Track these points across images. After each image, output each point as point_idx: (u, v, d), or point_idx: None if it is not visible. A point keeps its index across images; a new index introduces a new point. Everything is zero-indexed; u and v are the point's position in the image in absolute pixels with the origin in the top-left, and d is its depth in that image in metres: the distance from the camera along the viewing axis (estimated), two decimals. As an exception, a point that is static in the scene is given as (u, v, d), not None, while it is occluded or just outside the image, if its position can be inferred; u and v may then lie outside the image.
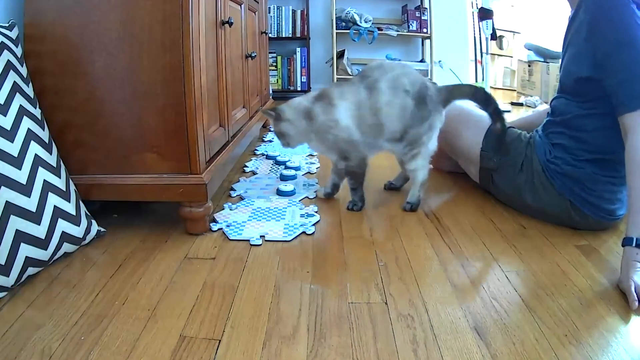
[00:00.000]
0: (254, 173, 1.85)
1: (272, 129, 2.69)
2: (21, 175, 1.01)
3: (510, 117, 1.77)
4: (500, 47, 4.79)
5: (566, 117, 1.32)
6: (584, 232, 1.31)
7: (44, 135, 1.11)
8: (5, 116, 1.01)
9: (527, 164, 1.38)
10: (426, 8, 3.91)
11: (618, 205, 1.28)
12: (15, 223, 0.97)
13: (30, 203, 1.01)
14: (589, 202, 1.27)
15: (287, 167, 1.88)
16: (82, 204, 1.18)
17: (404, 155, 1.46)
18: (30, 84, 1.13)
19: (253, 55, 1.97)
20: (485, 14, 3.62)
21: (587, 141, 1.27)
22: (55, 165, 1.11)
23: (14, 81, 1.06)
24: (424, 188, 1.50)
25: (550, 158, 1.33)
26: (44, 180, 1.06)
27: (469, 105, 1.59)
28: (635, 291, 0.98)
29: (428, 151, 1.46)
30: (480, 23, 3.75)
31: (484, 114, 1.45)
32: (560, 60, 1.40)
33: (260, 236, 1.26)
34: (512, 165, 1.42)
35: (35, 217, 1.02)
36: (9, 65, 1.06)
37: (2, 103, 1.01)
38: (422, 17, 3.92)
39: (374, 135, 1.43)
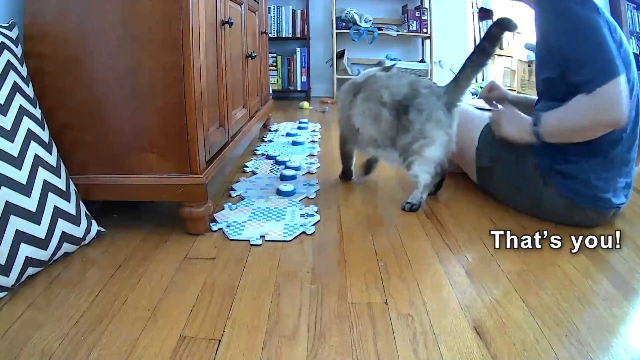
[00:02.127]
0: (254, 173, 1.85)
1: (271, 128, 2.70)
2: (21, 175, 1.01)
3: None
4: (500, 47, 4.78)
5: None
6: (583, 232, 1.31)
7: (44, 135, 1.11)
8: (5, 116, 1.01)
9: (522, 161, 1.38)
10: (426, 8, 3.92)
11: (612, 193, 1.30)
12: (15, 223, 0.97)
13: (30, 203, 1.01)
14: (586, 194, 1.28)
15: (287, 167, 1.88)
16: (82, 204, 1.18)
17: (401, 164, 1.49)
18: (30, 84, 1.13)
19: (253, 55, 1.97)
20: (485, 14, 3.63)
21: None
22: (55, 165, 1.11)
23: (14, 81, 1.06)
24: (427, 191, 1.49)
25: (543, 155, 1.33)
26: (44, 180, 1.06)
27: (466, 105, 1.58)
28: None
29: (427, 159, 1.44)
30: (480, 23, 3.76)
31: (481, 113, 1.45)
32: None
33: (260, 236, 1.26)
34: (508, 162, 1.42)
35: (35, 217, 1.02)
36: (9, 65, 1.06)
37: (2, 103, 1.01)
38: (422, 17, 3.92)
39: (353, 137, 1.61)
